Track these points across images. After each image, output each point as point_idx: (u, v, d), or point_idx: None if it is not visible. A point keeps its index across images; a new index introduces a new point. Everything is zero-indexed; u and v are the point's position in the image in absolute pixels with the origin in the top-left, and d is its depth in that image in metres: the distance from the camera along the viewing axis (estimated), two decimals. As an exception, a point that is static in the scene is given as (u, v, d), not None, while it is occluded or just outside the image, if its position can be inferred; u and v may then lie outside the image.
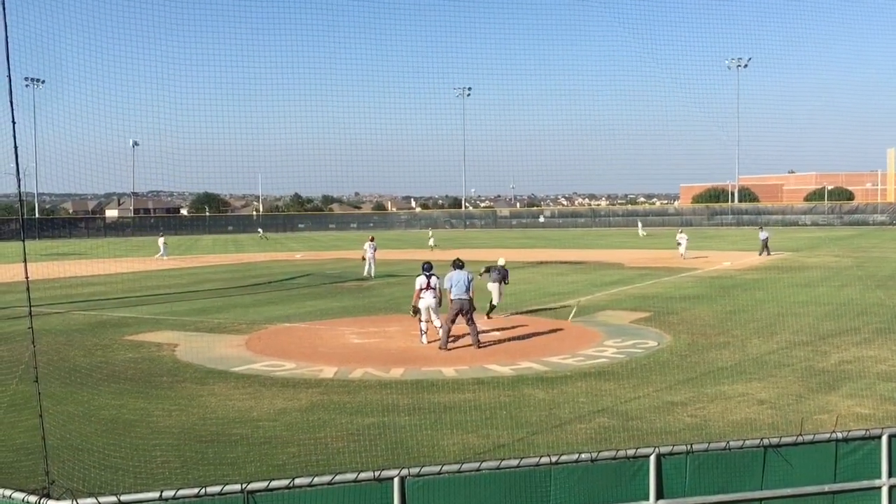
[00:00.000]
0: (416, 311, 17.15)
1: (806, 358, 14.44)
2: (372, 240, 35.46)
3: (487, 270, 20.74)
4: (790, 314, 19.83)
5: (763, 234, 42.77)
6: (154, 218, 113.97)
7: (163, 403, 11.75)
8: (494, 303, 20.27)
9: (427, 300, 16.44)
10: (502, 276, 20.40)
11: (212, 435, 10.02)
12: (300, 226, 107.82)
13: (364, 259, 34.15)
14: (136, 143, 75.68)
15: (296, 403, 11.66)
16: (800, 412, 10.51)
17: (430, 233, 62.21)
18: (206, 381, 13.29)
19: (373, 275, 33.27)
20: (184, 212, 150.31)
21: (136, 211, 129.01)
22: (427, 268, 16.65)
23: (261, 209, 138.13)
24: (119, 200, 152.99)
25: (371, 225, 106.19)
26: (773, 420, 10.25)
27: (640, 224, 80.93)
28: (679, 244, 41.37)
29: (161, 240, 51.67)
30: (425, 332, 16.63)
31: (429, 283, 16.45)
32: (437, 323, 16.49)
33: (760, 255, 41.43)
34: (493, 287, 20.29)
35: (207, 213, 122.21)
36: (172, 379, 13.56)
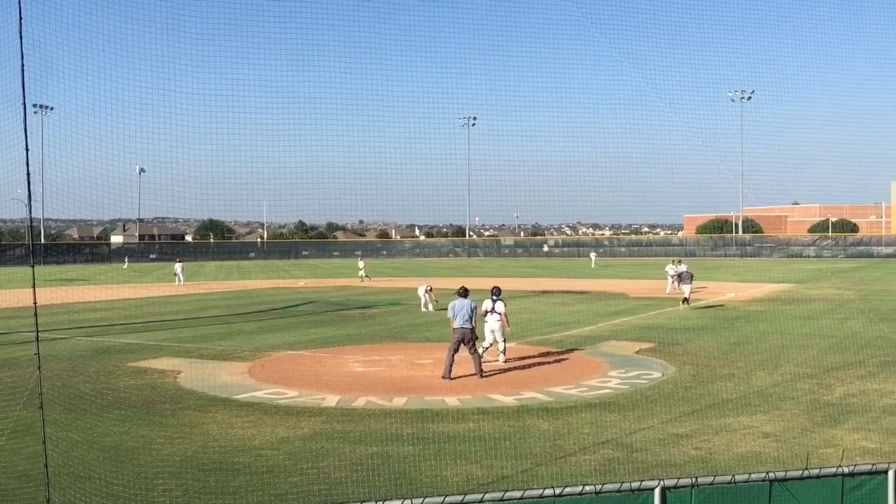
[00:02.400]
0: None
1: (811, 391, 14.37)
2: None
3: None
4: (794, 346, 19.76)
5: (680, 269, 34.04)
6: (159, 244, 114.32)
7: (165, 431, 11.71)
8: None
9: (491, 323, 17.55)
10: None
11: (214, 463, 9.98)
12: (304, 253, 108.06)
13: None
14: (142, 170, 76.03)
15: (298, 432, 11.62)
16: (805, 446, 10.44)
17: (361, 263, 54.86)
18: (208, 409, 13.26)
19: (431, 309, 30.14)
20: (188, 238, 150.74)
21: (142, 237, 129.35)
22: (496, 292, 17.82)
23: (265, 236, 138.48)
24: (124, 226, 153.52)
25: (383, 252, 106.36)
26: (778, 453, 10.19)
27: (592, 255, 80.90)
28: (669, 276, 35.92)
29: (178, 266, 52.15)
30: (503, 352, 17.71)
31: (493, 307, 17.54)
32: (500, 346, 17.67)
33: (669, 291, 35.99)
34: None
35: (212, 240, 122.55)
36: (175, 406, 13.52)
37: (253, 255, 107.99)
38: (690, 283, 31.10)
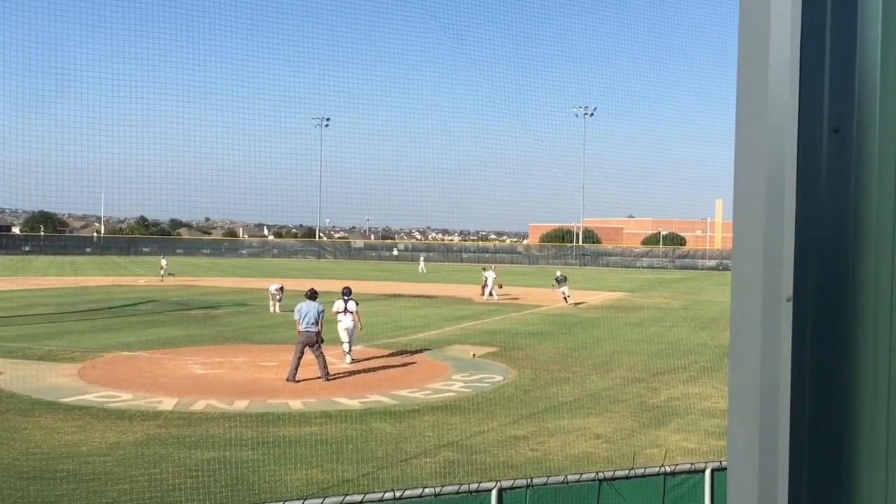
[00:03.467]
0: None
1: (639, 394, 15.23)
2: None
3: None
4: (625, 352, 20.88)
5: (490, 274, 39.04)
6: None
7: (-20, 437, 10.88)
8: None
9: (345, 322, 17.78)
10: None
11: (35, 471, 9.37)
12: (144, 249, 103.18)
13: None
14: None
15: (130, 437, 11.10)
16: (632, 446, 11.06)
17: (163, 261, 53.09)
18: (31, 413, 12.42)
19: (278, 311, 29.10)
20: (16, 230, 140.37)
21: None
22: (346, 292, 18.18)
23: (102, 230, 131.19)
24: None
25: (234, 251, 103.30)
26: (608, 454, 10.74)
27: (421, 259, 79.11)
28: (486, 282, 38.23)
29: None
30: (348, 353, 17.93)
31: (346, 307, 17.80)
32: (345, 348, 17.93)
33: (484, 296, 38.35)
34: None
35: (42, 233, 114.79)
36: (-7, 410, 12.58)
37: (89, 250, 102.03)
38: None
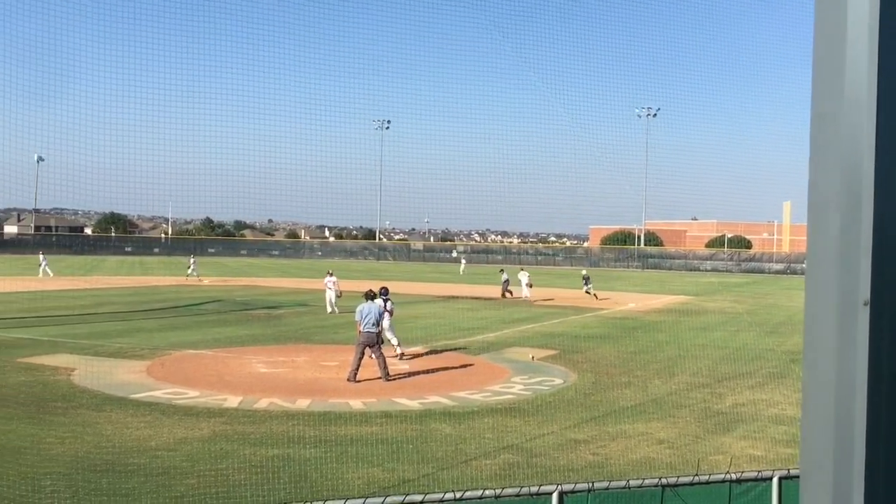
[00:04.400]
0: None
1: (703, 399, 14.95)
2: (331, 273, 30.86)
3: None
4: (689, 356, 20.52)
5: (504, 276, 41.27)
6: (56, 236, 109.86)
7: (55, 430, 11.27)
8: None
9: (386, 321, 18.09)
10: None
11: (106, 464, 9.66)
12: (210, 250, 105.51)
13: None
14: (40, 159, 72.75)
15: (197, 433, 11.36)
16: (696, 452, 10.87)
17: (192, 259, 53.33)
18: (102, 408, 12.82)
19: (336, 311, 29.01)
20: (88, 231, 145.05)
21: (38, 228, 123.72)
22: (384, 292, 18.54)
23: (170, 231, 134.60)
24: (19, 216, 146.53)
25: (278, 252, 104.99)
26: (671, 460, 10.57)
27: (462, 261, 76.69)
28: (520, 283, 39.79)
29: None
30: (398, 346, 18.81)
31: (387, 307, 18.28)
32: (394, 342, 18.68)
33: (504, 296, 40.13)
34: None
35: (113, 234, 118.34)
36: (67, 405, 13.02)
37: (157, 250, 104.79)
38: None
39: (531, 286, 40.46)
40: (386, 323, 18.19)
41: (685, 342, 23.75)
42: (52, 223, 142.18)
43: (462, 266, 73.91)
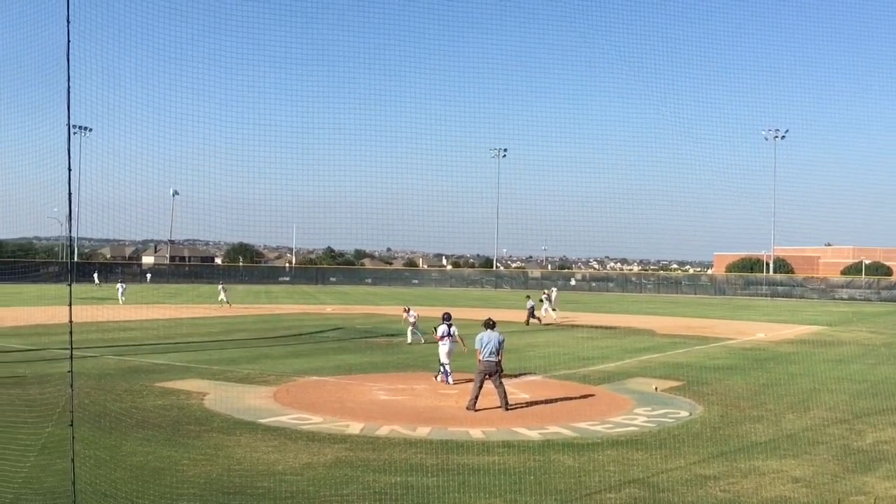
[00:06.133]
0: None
1: (842, 436, 14.10)
2: (407, 310, 30.85)
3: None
4: (825, 390, 19.43)
5: (530, 303, 41.61)
6: (189, 266, 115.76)
7: (190, 452, 11.77)
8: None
9: (448, 346, 19.13)
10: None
11: (237, 487, 10.00)
12: (332, 279, 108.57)
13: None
14: (176, 193, 76.99)
15: (321, 458, 11.61)
16: (836, 492, 10.24)
17: (222, 285, 54.43)
18: (233, 432, 13.31)
19: (421, 341, 29.00)
20: (218, 261, 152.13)
21: (172, 258, 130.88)
22: (447, 318, 19.54)
23: (293, 261, 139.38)
24: (156, 247, 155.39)
25: (414, 281, 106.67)
26: (808, 499, 9.99)
27: (554, 290, 65.44)
28: (545, 303, 42.67)
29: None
30: (448, 374, 19.13)
31: (450, 332, 19.23)
32: (447, 369, 19.08)
33: (528, 323, 40.19)
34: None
35: (241, 263, 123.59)
36: (200, 428, 13.59)
37: (283, 279, 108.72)
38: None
39: (555, 310, 43.85)
40: (445, 349, 19.06)
41: (820, 374, 22.51)
42: (186, 254, 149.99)
43: (553, 293, 70.32)
